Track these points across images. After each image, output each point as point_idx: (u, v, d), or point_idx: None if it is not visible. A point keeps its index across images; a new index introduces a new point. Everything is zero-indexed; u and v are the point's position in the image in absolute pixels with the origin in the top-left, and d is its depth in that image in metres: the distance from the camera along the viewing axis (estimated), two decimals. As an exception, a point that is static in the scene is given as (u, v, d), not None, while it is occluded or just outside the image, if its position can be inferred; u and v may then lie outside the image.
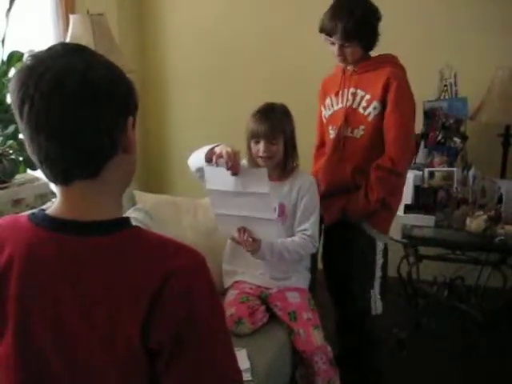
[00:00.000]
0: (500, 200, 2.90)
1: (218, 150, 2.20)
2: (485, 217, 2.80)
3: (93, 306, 0.95)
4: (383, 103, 2.33)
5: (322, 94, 2.58)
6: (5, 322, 1.00)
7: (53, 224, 1.00)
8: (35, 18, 3.19)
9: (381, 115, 2.35)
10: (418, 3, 3.10)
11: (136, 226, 1.06)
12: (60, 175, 1.00)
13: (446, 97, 3.05)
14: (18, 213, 2.34)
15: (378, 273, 2.50)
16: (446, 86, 3.04)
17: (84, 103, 0.94)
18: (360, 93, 2.39)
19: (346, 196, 2.45)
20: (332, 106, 2.50)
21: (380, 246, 2.49)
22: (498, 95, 3.00)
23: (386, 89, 2.32)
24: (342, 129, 2.44)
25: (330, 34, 2.31)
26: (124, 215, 2.22)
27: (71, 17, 2.99)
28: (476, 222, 2.80)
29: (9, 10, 2.83)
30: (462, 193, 2.98)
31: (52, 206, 1.04)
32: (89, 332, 0.95)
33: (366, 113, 2.38)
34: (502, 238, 2.70)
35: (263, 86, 3.42)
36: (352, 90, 2.41)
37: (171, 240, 1.04)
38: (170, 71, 3.84)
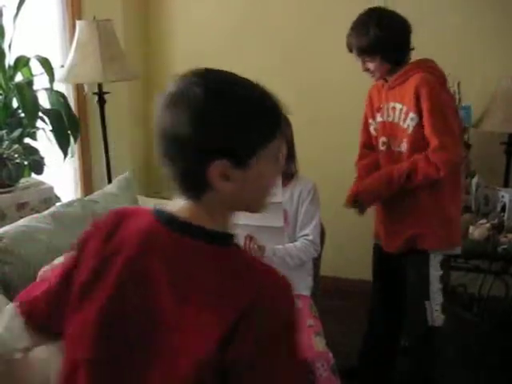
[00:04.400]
0: (503, 209, 2.90)
1: None
2: (488, 225, 2.81)
3: (184, 304, 1.01)
4: (419, 113, 2.25)
5: (368, 103, 2.50)
6: (97, 293, 1.07)
7: (173, 222, 1.06)
8: (42, 23, 3.21)
9: (420, 126, 2.26)
10: (422, 13, 3.11)
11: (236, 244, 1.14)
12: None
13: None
14: (22, 217, 2.35)
15: (436, 285, 2.40)
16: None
17: None
18: (398, 106, 2.32)
19: (410, 225, 2.38)
20: (376, 118, 2.45)
21: (434, 258, 2.39)
22: (502, 104, 3.01)
23: (417, 98, 2.24)
24: (391, 143, 2.39)
25: (350, 51, 2.31)
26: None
27: (78, 23, 3.01)
28: (479, 231, 2.80)
29: (16, 15, 2.86)
30: (465, 201, 2.98)
31: (173, 207, 1.09)
32: (174, 329, 1.01)
33: (405, 125, 2.31)
34: (505, 246, 2.70)
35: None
36: (391, 104, 2.35)
37: (261, 262, 1.11)
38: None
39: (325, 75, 3.40)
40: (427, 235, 2.37)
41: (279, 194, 2.19)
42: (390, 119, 2.37)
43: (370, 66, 2.31)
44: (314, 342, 2.22)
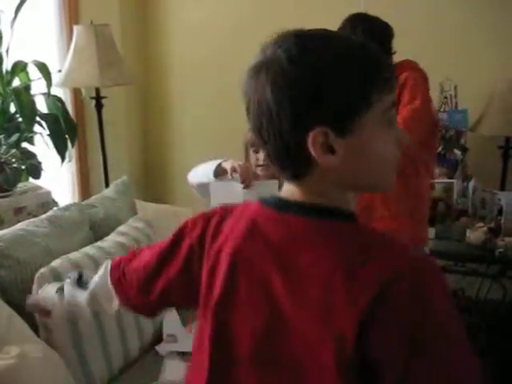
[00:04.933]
0: (500, 212, 2.90)
1: (227, 164, 2.24)
2: (485, 229, 2.81)
3: (307, 288, 0.89)
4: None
5: None
6: (210, 292, 1.02)
7: (281, 204, 0.96)
8: (39, 28, 3.21)
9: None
10: (418, 16, 3.12)
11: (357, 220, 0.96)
12: None
13: (446, 109, 3.06)
14: (19, 221, 2.35)
15: None
16: (446, 97, 3.05)
17: None
18: None
19: (383, 222, 2.31)
20: None
21: None
22: (499, 107, 3.01)
23: (400, 90, 2.24)
24: None
25: None
26: (126, 224, 2.25)
27: (75, 27, 3.02)
28: (476, 234, 2.80)
29: (13, 19, 2.86)
30: (462, 205, 2.99)
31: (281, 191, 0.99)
32: (302, 311, 0.89)
33: None
34: (502, 250, 2.70)
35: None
36: None
37: (397, 239, 0.93)
38: (173, 83, 3.85)
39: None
40: (398, 230, 2.31)
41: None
42: None
43: None
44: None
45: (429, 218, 2.69)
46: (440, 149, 2.99)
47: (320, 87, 0.85)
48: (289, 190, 0.96)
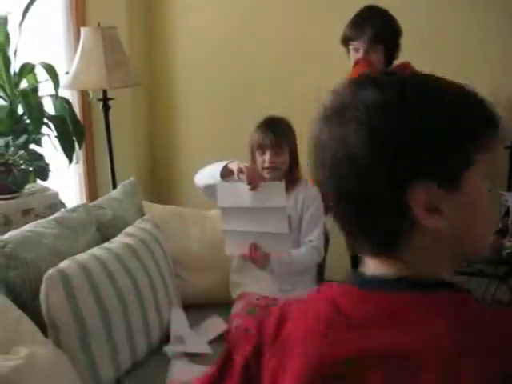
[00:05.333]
0: (507, 213, 2.89)
1: (234, 166, 2.26)
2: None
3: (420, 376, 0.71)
4: None
5: None
6: None
7: (370, 281, 0.80)
8: (47, 30, 3.23)
9: None
10: (419, 18, 3.11)
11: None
12: None
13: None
14: (27, 222, 2.36)
15: None
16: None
17: None
18: None
19: None
20: None
21: None
22: (505, 108, 3.00)
23: None
24: None
25: (356, 39, 2.31)
26: (133, 225, 2.26)
27: (82, 29, 3.03)
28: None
29: (21, 22, 2.88)
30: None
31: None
32: None
33: None
34: (509, 251, 2.69)
35: (274, 103, 3.44)
36: None
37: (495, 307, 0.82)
38: (179, 84, 3.86)
39: (325, 78, 3.39)
40: None
41: (283, 199, 2.21)
42: None
43: (374, 56, 2.32)
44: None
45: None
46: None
47: (425, 138, 0.73)
48: (373, 264, 0.81)
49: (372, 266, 0.81)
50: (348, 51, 2.40)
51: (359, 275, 0.82)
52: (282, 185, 2.24)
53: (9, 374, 1.48)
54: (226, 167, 2.32)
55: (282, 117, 2.43)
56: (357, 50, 2.33)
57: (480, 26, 3.05)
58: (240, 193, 2.27)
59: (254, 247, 2.28)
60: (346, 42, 2.37)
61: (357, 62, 2.35)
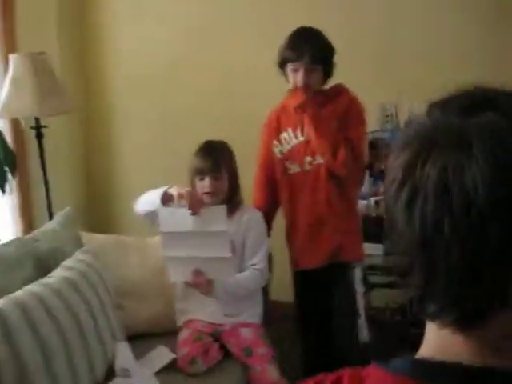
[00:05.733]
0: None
1: (174, 191, 2.24)
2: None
3: None
4: (343, 122, 2.35)
5: (272, 129, 2.52)
6: None
7: (429, 369, 0.63)
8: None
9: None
10: (416, 26, 3.14)
11: None
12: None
13: (389, 127, 3.12)
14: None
15: (361, 301, 2.48)
16: (387, 116, 3.11)
17: None
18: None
19: (335, 237, 2.43)
20: (290, 139, 2.46)
21: (358, 274, 2.48)
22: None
23: (346, 111, 2.37)
24: (304, 162, 2.42)
25: (295, 60, 2.31)
26: (71, 258, 2.18)
27: (11, 56, 2.94)
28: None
29: None
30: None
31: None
32: None
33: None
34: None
35: (210, 128, 3.43)
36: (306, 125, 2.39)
37: None
38: (116, 110, 3.80)
39: (264, 102, 3.42)
40: (349, 246, 2.45)
41: (224, 223, 2.20)
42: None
43: (314, 77, 2.34)
44: (267, 372, 2.20)
45: (375, 235, 2.79)
46: (383, 167, 3.05)
47: None
48: (439, 344, 0.64)
49: (436, 345, 0.65)
50: (283, 73, 2.41)
51: (422, 364, 0.64)
52: (223, 208, 2.23)
53: None
54: (166, 193, 2.29)
55: (221, 141, 2.43)
56: (296, 71, 2.33)
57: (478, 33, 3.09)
58: (181, 217, 2.25)
59: (197, 273, 2.25)
60: (283, 63, 2.38)
61: (293, 90, 2.36)
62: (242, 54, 3.45)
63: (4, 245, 2.20)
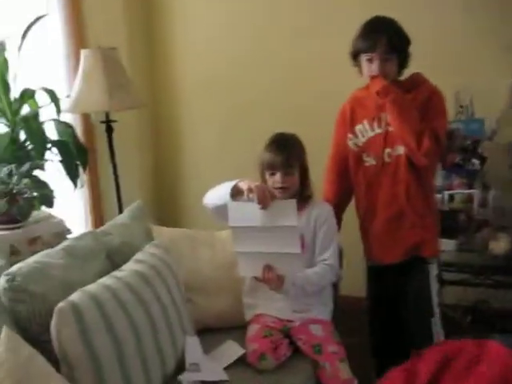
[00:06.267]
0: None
1: (243, 185, 2.23)
2: (508, 239, 2.74)
3: None
4: (423, 112, 2.27)
5: (346, 121, 2.47)
6: None
7: None
8: (46, 54, 3.18)
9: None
10: (429, 24, 3.08)
11: None
12: None
13: (462, 118, 3.00)
14: (34, 252, 2.30)
15: (435, 299, 2.41)
16: (461, 106, 3.00)
17: None
18: None
19: (415, 231, 2.38)
20: (366, 132, 2.40)
21: (434, 271, 2.41)
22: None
23: (427, 101, 2.29)
24: (383, 154, 2.36)
25: (369, 50, 2.26)
26: (142, 251, 2.19)
27: (82, 51, 2.99)
28: (499, 245, 2.74)
29: (20, 46, 2.84)
30: (483, 215, 2.92)
31: None
32: None
33: None
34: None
35: (277, 123, 3.40)
36: (388, 111, 2.30)
37: None
38: (184, 104, 3.82)
39: (330, 93, 3.36)
40: (428, 242, 2.39)
41: (294, 218, 2.16)
42: (391, 129, 2.33)
43: (389, 67, 2.27)
44: (339, 370, 2.15)
45: (449, 230, 2.72)
46: (458, 159, 2.93)
47: None
48: None
49: None
50: (357, 64, 2.35)
51: None
52: (293, 203, 2.19)
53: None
54: (235, 187, 2.27)
55: (291, 134, 2.39)
56: (370, 61, 2.27)
57: (495, 30, 3.00)
58: (251, 212, 2.22)
59: (268, 269, 2.23)
60: (356, 54, 2.32)
61: (372, 77, 2.30)
62: (308, 48, 3.42)
63: (77, 238, 2.23)
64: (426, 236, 2.38)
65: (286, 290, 2.26)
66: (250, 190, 2.21)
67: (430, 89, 2.33)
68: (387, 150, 2.35)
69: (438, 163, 2.53)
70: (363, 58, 2.29)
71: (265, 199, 2.20)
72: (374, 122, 2.37)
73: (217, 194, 2.35)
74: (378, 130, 2.37)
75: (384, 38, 2.23)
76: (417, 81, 2.35)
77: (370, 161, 2.41)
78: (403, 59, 2.31)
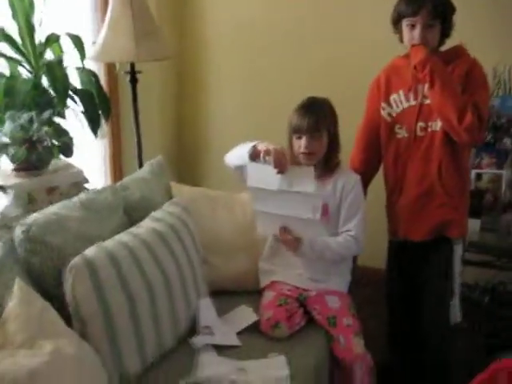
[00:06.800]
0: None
1: (262, 147, 2.19)
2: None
3: None
4: (463, 86, 2.18)
5: (381, 90, 2.36)
6: None
7: None
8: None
9: None
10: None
11: None
12: None
13: (499, 94, 2.89)
14: (51, 201, 2.27)
15: (458, 280, 2.35)
16: (499, 81, 2.88)
17: None
18: None
19: (444, 210, 2.30)
20: (401, 102, 2.31)
21: (459, 252, 2.35)
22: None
23: (467, 75, 2.19)
24: (416, 127, 2.27)
25: (412, 15, 2.15)
26: (161, 209, 2.15)
27: (110, -3, 2.89)
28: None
29: (47, -11, 2.75)
30: (510, 197, 2.84)
31: None
32: None
33: None
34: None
35: (305, 80, 3.30)
36: (428, 84, 2.19)
37: None
38: (208, 60, 3.72)
39: (369, 60, 3.25)
40: (456, 222, 2.32)
41: (312, 185, 2.11)
42: (427, 101, 2.23)
43: (431, 34, 2.17)
44: (352, 344, 2.12)
45: (473, 209, 2.63)
46: (489, 137, 2.83)
47: None
48: None
49: None
50: (397, 31, 2.25)
51: None
52: (311, 169, 2.16)
53: (35, 371, 1.40)
54: (255, 148, 2.22)
55: (324, 99, 2.30)
56: (412, 26, 2.16)
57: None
58: (268, 175, 2.18)
59: (284, 230, 2.22)
60: (398, 19, 2.22)
61: (413, 46, 2.19)
62: (340, 8, 3.30)
63: (96, 192, 2.18)
64: (454, 216, 2.31)
65: (303, 253, 2.24)
66: (268, 153, 2.16)
67: (470, 61, 2.22)
68: (420, 124, 2.27)
69: (479, 141, 2.41)
70: (405, 23, 2.19)
71: (281, 164, 2.15)
72: (410, 92, 2.28)
73: (237, 154, 2.32)
74: (413, 102, 2.28)
75: (429, 3, 2.12)
76: (458, 52, 2.24)
77: (402, 133, 2.32)
78: (446, 28, 2.21)
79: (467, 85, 2.18)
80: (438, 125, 2.23)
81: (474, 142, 2.26)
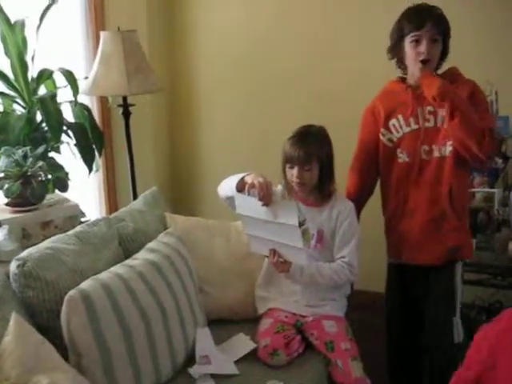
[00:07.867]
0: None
1: (249, 179, 2.22)
2: (528, 241, 2.68)
3: None
4: None
5: (378, 116, 2.35)
6: None
7: None
8: (65, 34, 3.15)
9: None
10: (457, 21, 3.00)
11: None
12: None
13: (487, 115, 2.93)
14: (46, 235, 2.28)
15: (459, 298, 2.34)
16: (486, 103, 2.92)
17: None
18: (441, 111, 2.20)
19: (456, 235, 2.30)
20: (401, 127, 2.30)
21: (460, 270, 2.34)
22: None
23: (470, 97, 2.18)
24: (419, 151, 2.27)
25: (416, 29, 2.15)
26: (156, 240, 2.16)
27: (102, 33, 2.95)
28: (519, 246, 2.68)
29: (39, 26, 2.80)
30: (503, 215, 2.86)
31: None
32: None
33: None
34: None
35: (298, 109, 3.33)
36: (429, 108, 2.21)
37: None
38: (201, 90, 3.77)
39: (357, 82, 3.29)
40: (466, 244, 2.35)
41: (295, 218, 2.11)
42: (430, 124, 2.24)
43: (435, 49, 2.18)
44: (351, 368, 2.11)
45: (469, 228, 2.62)
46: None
47: None
48: None
49: None
50: (394, 55, 2.27)
51: None
52: (293, 204, 2.21)
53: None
54: (242, 180, 2.25)
55: (318, 128, 2.32)
56: (417, 42, 2.16)
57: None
58: (254, 206, 2.21)
59: (274, 252, 2.24)
60: (400, 37, 2.21)
61: (423, 77, 2.20)
62: (330, 30, 3.36)
63: (91, 224, 2.20)
64: (466, 239, 2.33)
65: (292, 276, 2.26)
66: (252, 186, 2.18)
67: (471, 84, 2.23)
68: (424, 147, 2.26)
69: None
70: (408, 40, 2.18)
71: (265, 197, 2.17)
72: (410, 117, 2.27)
73: (227, 186, 2.35)
74: (414, 126, 2.27)
75: (433, 17, 2.14)
76: (453, 75, 2.25)
77: (403, 157, 2.31)
78: (445, 47, 2.23)
79: (475, 108, 2.16)
80: (447, 150, 2.22)
81: (490, 163, 2.28)
